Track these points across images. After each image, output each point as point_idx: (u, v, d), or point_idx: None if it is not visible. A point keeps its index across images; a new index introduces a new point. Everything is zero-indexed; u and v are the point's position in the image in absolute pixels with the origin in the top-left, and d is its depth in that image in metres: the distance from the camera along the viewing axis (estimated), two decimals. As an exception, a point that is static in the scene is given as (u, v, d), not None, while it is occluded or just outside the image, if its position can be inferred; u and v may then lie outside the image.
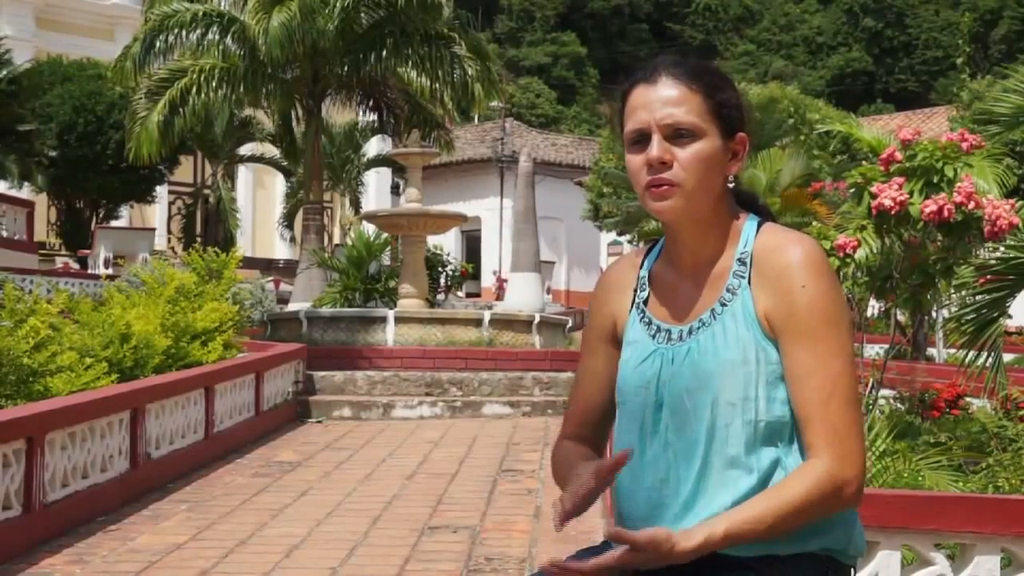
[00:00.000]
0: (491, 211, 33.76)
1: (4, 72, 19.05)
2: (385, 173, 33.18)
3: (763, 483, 1.78)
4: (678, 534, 1.70)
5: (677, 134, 1.80)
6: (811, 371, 1.76)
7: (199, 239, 26.09)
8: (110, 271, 20.24)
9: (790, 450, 1.79)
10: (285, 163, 23.79)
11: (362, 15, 16.09)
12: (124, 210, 26.37)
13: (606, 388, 1.99)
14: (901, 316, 12.51)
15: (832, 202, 12.78)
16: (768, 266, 1.81)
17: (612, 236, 28.31)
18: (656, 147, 1.80)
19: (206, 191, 28.22)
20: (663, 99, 1.81)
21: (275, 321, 13.31)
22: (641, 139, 1.82)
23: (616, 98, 1.90)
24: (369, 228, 16.82)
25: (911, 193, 6.10)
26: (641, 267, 1.96)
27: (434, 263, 15.66)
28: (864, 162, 7.13)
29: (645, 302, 1.93)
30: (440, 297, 16.25)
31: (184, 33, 15.72)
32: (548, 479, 7.07)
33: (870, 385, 6.94)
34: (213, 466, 7.59)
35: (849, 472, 1.75)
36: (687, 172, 1.79)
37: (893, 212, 6.04)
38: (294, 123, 18.75)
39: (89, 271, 21.23)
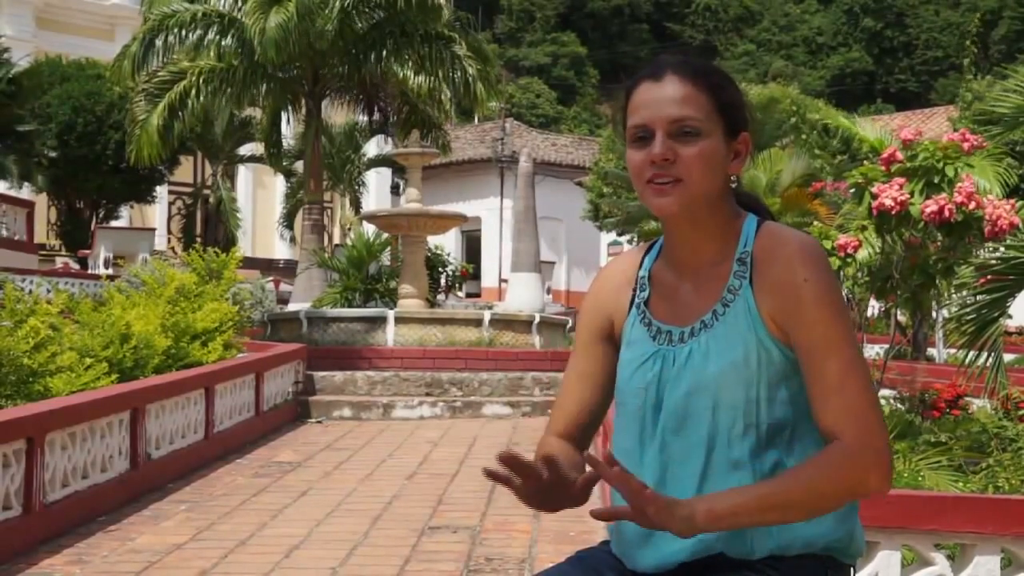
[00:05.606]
0: (491, 211, 33.73)
1: (4, 72, 19.03)
2: (385, 173, 33.17)
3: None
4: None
5: (681, 132, 1.79)
6: (826, 358, 1.74)
7: (199, 239, 26.05)
8: (110, 271, 20.20)
9: (791, 451, 1.79)
10: (271, 161, 23.67)
11: (361, 16, 16.08)
12: (124, 210, 26.35)
13: (598, 390, 1.96)
14: (901, 316, 12.51)
15: (833, 202, 12.77)
16: (769, 266, 1.80)
17: (612, 236, 28.27)
18: (660, 144, 1.79)
19: (206, 191, 28.20)
20: (669, 97, 1.80)
21: (275, 321, 13.31)
22: (644, 136, 1.81)
23: (617, 96, 1.89)
24: (369, 228, 16.81)
25: (912, 193, 6.11)
26: (640, 266, 1.95)
27: (434, 263, 15.65)
28: (865, 162, 7.13)
29: (646, 302, 1.92)
30: (440, 297, 16.25)
31: (183, 33, 15.71)
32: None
33: (870, 385, 6.93)
34: (213, 466, 7.59)
35: (877, 442, 1.72)
36: (690, 170, 1.79)
37: (894, 212, 6.05)
38: (285, 123, 18.69)
39: (89, 271, 21.19)
